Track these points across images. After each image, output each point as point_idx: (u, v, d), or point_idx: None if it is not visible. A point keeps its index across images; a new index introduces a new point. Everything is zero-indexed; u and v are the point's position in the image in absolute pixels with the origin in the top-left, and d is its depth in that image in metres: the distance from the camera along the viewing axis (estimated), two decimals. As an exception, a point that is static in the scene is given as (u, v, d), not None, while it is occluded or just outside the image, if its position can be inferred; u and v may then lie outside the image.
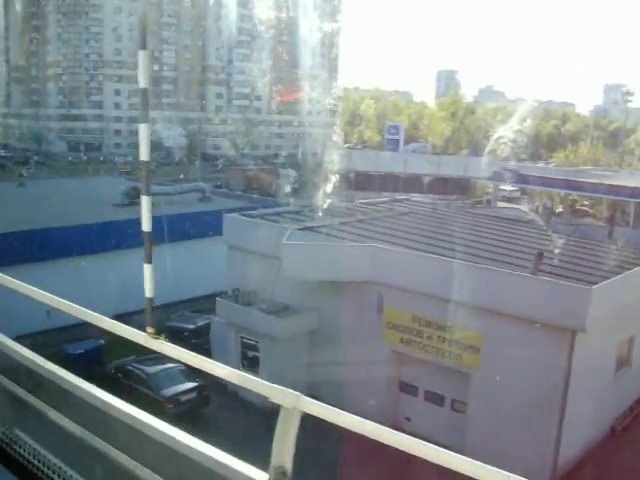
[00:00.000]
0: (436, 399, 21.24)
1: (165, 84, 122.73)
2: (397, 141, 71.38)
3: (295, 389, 1.82)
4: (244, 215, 25.22)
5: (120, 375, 22.72)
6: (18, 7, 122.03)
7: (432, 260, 20.54)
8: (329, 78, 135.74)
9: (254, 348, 22.97)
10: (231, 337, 23.36)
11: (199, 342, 24.94)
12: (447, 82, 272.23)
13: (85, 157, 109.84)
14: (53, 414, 2.36)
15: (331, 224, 24.92)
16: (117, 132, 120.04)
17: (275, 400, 1.81)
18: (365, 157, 30.89)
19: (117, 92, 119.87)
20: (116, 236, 29.05)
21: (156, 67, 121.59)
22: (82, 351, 24.28)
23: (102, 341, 25.07)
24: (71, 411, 2.41)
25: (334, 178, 29.91)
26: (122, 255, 29.16)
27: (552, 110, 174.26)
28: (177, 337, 24.96)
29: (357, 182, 28.49)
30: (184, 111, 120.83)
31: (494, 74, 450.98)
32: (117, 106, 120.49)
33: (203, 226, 31.98)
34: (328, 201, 29.54)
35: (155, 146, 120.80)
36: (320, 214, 27.01)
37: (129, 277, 26.06)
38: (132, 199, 34.83)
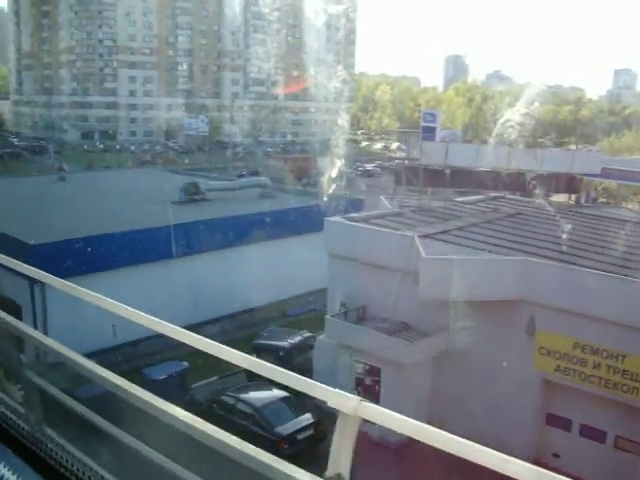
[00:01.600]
0: (596, 435, 17.90)
1: (180, 70, 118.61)
2: (434, 129, 67.79)
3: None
4: (348, 219, 21.68)
5: (216, 407, 19.29)
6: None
7: (593, 276, 17.11)
8: (346, 63, 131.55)
9: (373, 374, 19.58)
10: (343, 360, 19.93)
11: (297, 363, 21.58)
12: (455, 67, 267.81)
13: (101, 145, 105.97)
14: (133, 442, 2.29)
15: (446, 230, 21.44)
16: (132, 120, 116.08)
17: (334, 405, 1.74)
18: (463, 151, 27.09)
19: (132, 79, 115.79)
20: (186, 240, 25.62)
21: (170, 52, 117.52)
22: (165, 376, 20.86)
23: (186, 363, 21.68)
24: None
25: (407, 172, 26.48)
26: (192, 261, 25.80)
27: (564, 95, 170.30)
28: (270, 358, 21.61)
29: (453, 179, 24.75)
30: (199, 97, 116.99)
31: (501, 59, 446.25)
32: (132, 93, 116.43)
33: (278, 226, 28.58)
34: (423, 200, 26.10)
35: (173, 133, 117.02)
36: (426, 217, 23.54)
37: (201, 284, 22.54)
38: (191, 195, 31.35)
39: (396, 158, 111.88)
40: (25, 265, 3.09)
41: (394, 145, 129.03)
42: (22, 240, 21.57)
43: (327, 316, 20.19)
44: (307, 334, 23.68)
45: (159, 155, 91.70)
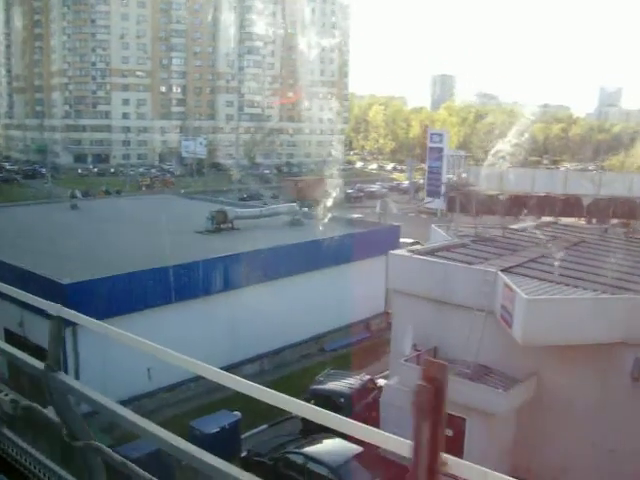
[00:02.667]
0: None
1: (174, 92, 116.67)
2: (441, 149, 66.11)
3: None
4: (412, 252, 19.61)
5: (281, 466, 17.02)
6: (19, 15, 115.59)
7: None
8: (340, 84, 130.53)
9: (454, 424, 17.43)
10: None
11: (361, 412, 19.39)
12: (442, 87, 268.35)
13: (95, 169, 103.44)
14: None
15: (520, 262, 19.45)
16: (126, 143, 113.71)
17: (404, 454, 1.65)
18: (518, 175, 25.19)
19: (125, 101, 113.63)
20: (224, 274, 23.45)
21: (164, 74, 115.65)
22: (217, 429, 18.55)
23: (238, 414, 19.42)
24: None
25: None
26: (229, 296, 23.63)
27: (554, 113, 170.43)
28: (330, 405, 19.43)
29: (507, 205, 22.84)
30: (194, 120, 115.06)
31: (486, 78, 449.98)
32: (125, 116, 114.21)
33: (315, 257, 26.52)
34: (478, 229, 24.09)
35: (167, 156, 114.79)
36: (491, 247, 21.54)
37: (239, 321, 20.27)
38: (219, 224, 29.18)
39: (393, 179, 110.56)
40: (57, 305, 2.83)
41: (389, 166, 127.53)
42: (52, 279, 19.29)
43: (401, 361, 18.00)
44: (366, 377, 21.50)
45: (156, 178, 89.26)
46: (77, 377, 19.49)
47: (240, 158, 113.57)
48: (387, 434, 1.75)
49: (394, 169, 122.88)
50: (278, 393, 1.95)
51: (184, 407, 22.32)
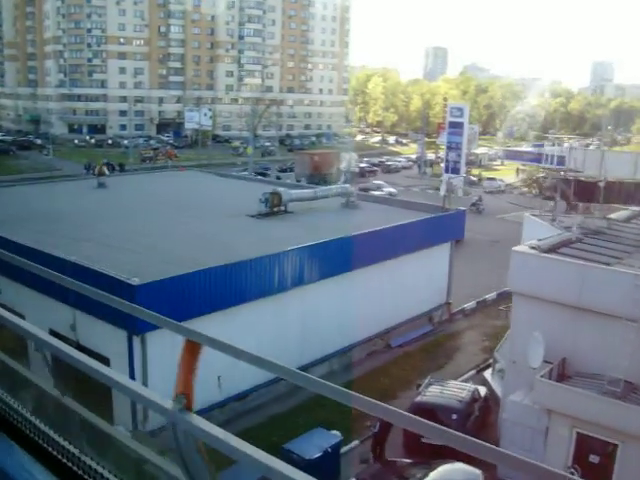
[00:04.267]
0: None
1: (172, 61, 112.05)
2: (461, 124, 63.00)
3: None
4: (535, 248, 16.81)
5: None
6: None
7: None
8: (340, 55, 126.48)
9: (601, 450, 14.88)
10: (552, 430, 15.19)
11: (471, 428, 16.77)
12: (435, 59, 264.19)
13: (92, 140, 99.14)
14: None
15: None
16: (122, 113, 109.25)
17: None
18: (619, 160, 22.39)
19: (122, 70, 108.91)
20: (297, 268, 20.59)
21: (162, 43, 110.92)
22: (319, 453, 15.84)
23: (337, 433, 16.74)
24: None
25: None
26: (301, 292, 20.83)
27: (553, 88, 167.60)
28: (438, 422, 16.80)
29: (607, 192, 20.07)
30: (192, 90, 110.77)
31: (478, 51, 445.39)
32: (122, 85, 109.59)
33: (383, 246, 23.70)
34: (581, 219, 21.31)
35: (166, 127, 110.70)
36: (610, 243, 18.82)
37: (309, 319, 17.73)
38: (272, 207, 26.20)
39: (397, 152, 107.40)
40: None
41: (391, 139, 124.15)
42: (120, 279, 16.30)
43: (537, 378, 15.29)
44: (472, 387, 18.84)
45: (158, 150, 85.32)
46: (145, 383, 16.65)
47: (241, 129, 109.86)
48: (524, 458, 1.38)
49: (397, 142, 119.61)
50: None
51: (257, 418, 19.64)
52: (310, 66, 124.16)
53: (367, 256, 23.11)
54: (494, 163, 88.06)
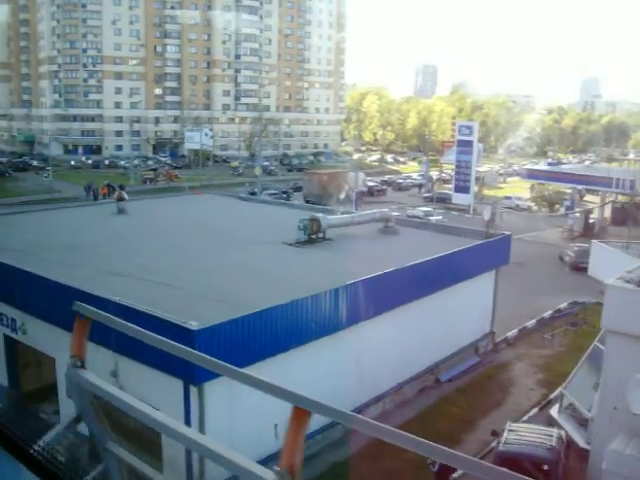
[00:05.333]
0: None
1: (169, 81, 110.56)
2: (470, 142, 61.78)
3: None
4: (632, 282, 15.17)
5: None
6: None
7: None
8: (336, 73, 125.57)
9: None
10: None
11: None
12: (424, 77, 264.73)
13: (89, 161, 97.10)
14: None
15: None
16: (118, 133, 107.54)
17: None
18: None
19: (118, 90, 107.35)
20: (352, 304, 18.82)
21: (158, 62, 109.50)
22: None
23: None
24: None
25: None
26: (356, 330, 19.08)
27: (546, 104, 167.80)
28: (527, 472, 15.04)
29: None
30: (189, 109, 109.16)
31: (467, 68, 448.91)
32: (118, 105, 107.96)
33: (434, 276, 22.01)
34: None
35: (163, 147, 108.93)
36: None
37: (364, 357, 17.60)
38: (311, 234, 24.48)
39: (396, 171, 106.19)
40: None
41: (388, 157, 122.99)
42: (178, 323, 14.42)
43: (611, 448, 13.54)
44: (555, 431, 17.06)
45: (160, 171, 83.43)
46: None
47: (239, 149, 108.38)
48: None
49: (395, 161, 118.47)
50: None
51: (317, 468, 17.71)
52: (306, 85, 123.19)
53: (420, 287, 21.47)
54: (498, 180, 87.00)
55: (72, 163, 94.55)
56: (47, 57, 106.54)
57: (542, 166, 78.04)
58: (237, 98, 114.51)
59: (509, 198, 66.49)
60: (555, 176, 46.03)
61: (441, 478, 16.44)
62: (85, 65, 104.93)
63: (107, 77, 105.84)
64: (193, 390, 14.77)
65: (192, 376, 14.40)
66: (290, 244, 24.05)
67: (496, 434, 17.78)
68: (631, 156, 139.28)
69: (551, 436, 16.45)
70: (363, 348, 19.71)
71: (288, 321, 16.55)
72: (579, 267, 41.01)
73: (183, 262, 21.26)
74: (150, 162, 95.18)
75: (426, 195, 72.56)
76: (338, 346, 18.60)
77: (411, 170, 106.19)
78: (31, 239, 23.98)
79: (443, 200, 67.92)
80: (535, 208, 63.64)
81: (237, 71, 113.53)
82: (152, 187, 73.98)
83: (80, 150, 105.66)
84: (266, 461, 11.55)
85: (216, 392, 14.96)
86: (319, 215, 24.83)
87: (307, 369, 17.64)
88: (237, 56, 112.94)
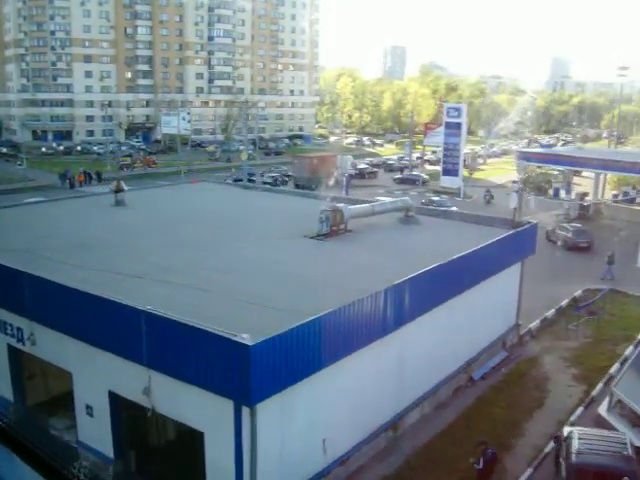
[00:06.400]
0: None
1: (140, 64, 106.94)
2: (459, 124, 60.44)
3: None
4: None
5: None
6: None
7: None
8: (311, 55, 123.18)
9: None
10: None
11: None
12: (393, 58, 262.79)
13: (60, 147, 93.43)
14: None
15: None
16: (89, 118, 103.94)
17: None
18: None
19: (88, 74, 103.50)
20: (397, 307, 17.22)
21: (129, 45, 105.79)
22: None
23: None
24: None
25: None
26: (399, 335, 17.57)
27: (518, 85, 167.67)
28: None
29: None
30: (162, 93, 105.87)
31: (436, 49, 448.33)
32: (88, 89, 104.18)
33: (469, 269, 20.54)
34: None
35: (136, 132, 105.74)
36: None
37: (404, 362, 16.94)
38: (333, 226, 22.80)
39: (375, 154, 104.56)
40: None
41: (364, 140, 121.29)
42: (231, 338, 12.62)
43: None
44: (623, 436, 15.76)
45: (137, 157, 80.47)
46: (254, 460, 13.23)
47: (213, 133, 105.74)
48: None
49: (372, 143, 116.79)
50: None
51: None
52: (281, 67, 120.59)
53: (458, 283, 20.03)
54: (478, 162, 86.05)
55: (43, 150, 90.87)
56: (13, 40, 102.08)
57: (536, 148, 77.16)
58: (211, 81, 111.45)
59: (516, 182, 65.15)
60: (551, 158, 44.87)
61: (484, 475, 15.83)
62: (53, 48, 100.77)
63: (76, 60, 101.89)
64: (245, 411, 13.05)
65: (246, 396, 12.74)
66: (312, 237, 22.34)
67: (559, 440, 16.51)
68: (604, 135, 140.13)
69: (624, 443, 15.16)
70: (405, 351, 18.23)
71: (342, 327, 14.90)
72: (577, 247, 40.27)
73: (202, 260, 19.41)
74: (123, 148, 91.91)
75: (396, 177, 71.38)
76: (383, 351, 17.04)
77: (389, 153, 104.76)
78: (31, 237, 21.87)
79: (413, 182, 67.14)
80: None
81: (210, 53, 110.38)
82: (130, 174, 71.22)
83: (50, 136, 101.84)
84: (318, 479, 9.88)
85: (268, 411, 13.32)
86: (340, 205, 23.11)
87: (354, 378, 16.10)
88: (210, 38, 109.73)
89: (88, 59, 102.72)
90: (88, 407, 16.56)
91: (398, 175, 72.61)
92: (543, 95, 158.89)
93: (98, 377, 16.03)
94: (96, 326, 15.42)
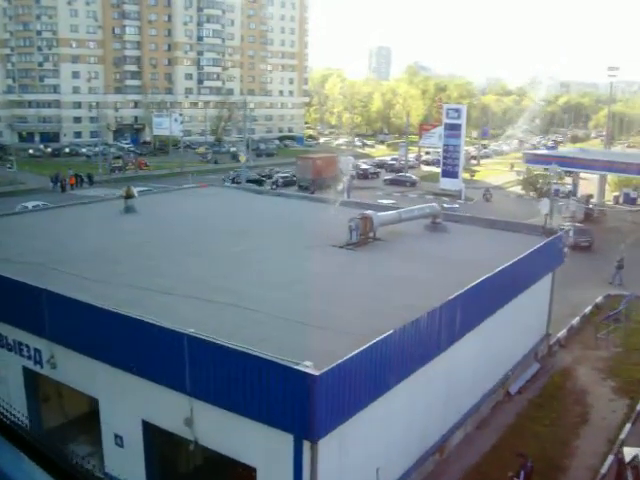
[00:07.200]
0: None
1: (128, 64, 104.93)
2: (459, 126, 59.50)
3: None
4: None
5: None
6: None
7: None
8: (300, 55, 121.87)
9: None
10: None
11: None
12: (378, 59, 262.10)
13: (48, 149, 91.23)
14: None
15: None
16: (77, 119, 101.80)
17: None
18: None
19: (75, 74, 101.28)
20: (447, 325, 16.04)
21: (117, 45, 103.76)
22: None
23: None
24: None
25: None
26: (448, 353, 16.39)
27: (503, 85, 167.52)
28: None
29: None
30: (151, 93, 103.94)
31: (419, 50, 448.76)
32: (76, 90, 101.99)
33: (516, 283, 19.46)
34: None
35: (124, 134, 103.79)
36: None
37: (450, 382, 16.28)
38: (363, 234, 21.61)
39: (367, 155, 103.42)
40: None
41: (356, 140, 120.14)
42: (294, 368, 11.37)
43: None
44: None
45: (128, 159, 78.59)
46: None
47: (204, 135, 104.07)
48: None
49: (363, 144, 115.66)
50: None
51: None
52: (270, 67, 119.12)
53: (503, 296, 18.97)
54: (472, 163, 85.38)
55: (30, 152, 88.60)
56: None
57: (542, 150, 76.48)
58: (200, 81, 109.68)
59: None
60: (556, 160, 44.09)
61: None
62: (40, 48, 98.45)
63: (63, 61, 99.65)
64: (306, 445, 11.80)
65: (309, 430, 11.48)
66: (341, 247, 21.12)
67: (621, 463, 15.41)
68: (592, 135, 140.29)
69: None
70: (452, 369, 17.10)
71: (403, 349, 13.73)
72: (579, 246, 39.53)
73: (231, 273, 18.13)
74: (112, 149, 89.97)
75: (386, 178, 70.42)
76: (433, 370, 15.86)
77: (381, 153, 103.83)
78: (42, 249, 20.38)
79: (403, 183, 66.45)
80: (522, 192, 61.92)
81: (200, 54, 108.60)
82: (121, 176, 69.54)
83: (37, 138, 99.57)
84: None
85: (328, 445, 12.08)
86: (370, 212, 21.90)
87: (406, 402, 14.93)
88: (199, 38, 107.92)
89: (75, 59, 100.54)
90: (117, 437, 15.18)
91: (388, 176, 71.62)
92: (530, 95, 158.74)
93: (130, 405, 14.69)
94: (129, 350, 14.08)
